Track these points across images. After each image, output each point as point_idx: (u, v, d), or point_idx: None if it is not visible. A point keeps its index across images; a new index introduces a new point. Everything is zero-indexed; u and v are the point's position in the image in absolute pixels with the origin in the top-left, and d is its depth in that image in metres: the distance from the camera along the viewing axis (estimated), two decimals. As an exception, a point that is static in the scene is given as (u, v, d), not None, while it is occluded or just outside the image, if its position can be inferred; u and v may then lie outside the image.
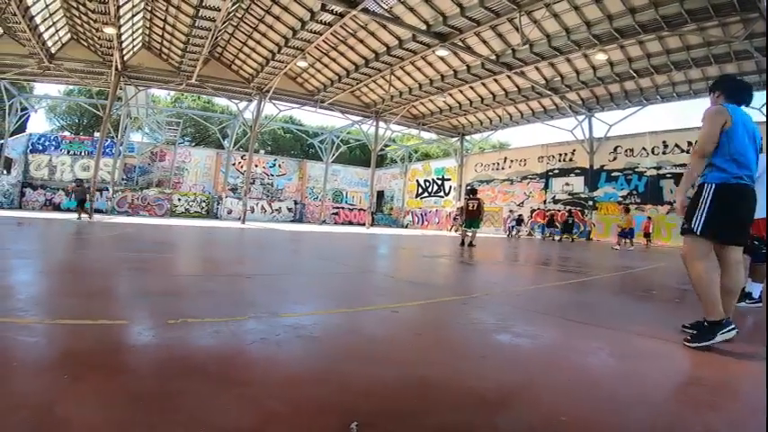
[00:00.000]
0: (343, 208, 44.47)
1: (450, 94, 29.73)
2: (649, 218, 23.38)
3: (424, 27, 21.03)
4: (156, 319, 3.43)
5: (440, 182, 39.84)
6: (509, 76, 24.80)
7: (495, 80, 26.29)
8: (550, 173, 30.25)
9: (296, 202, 42.96)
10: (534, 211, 30.91)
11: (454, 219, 32.01)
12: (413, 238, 21.33)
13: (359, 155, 55.49)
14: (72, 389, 2.01)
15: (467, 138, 38.09)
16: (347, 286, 5.91)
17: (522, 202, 31.76)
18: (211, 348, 2.79)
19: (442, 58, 24.92)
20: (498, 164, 34.25)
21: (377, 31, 23.83)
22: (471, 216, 15.05)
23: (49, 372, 2.26)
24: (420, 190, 42.00)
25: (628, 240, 20.01)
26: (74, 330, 2.96)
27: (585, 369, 2.68)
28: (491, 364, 2.62)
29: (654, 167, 24.65)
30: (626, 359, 2.94)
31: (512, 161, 33.19)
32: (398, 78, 29.09)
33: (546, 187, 30.41)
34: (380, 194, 45.73)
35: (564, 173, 29.47)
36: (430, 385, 2.23)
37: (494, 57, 22.77)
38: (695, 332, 3.30)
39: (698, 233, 3.30)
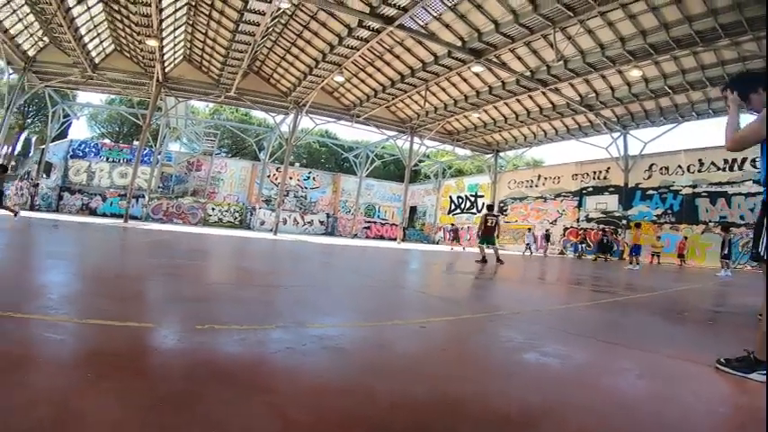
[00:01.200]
0: (375, 222, 44.93)
1: (485, 111, 30.11)
2: (685, 237, 23.27)
3: (459, 43, 21.51)
4: (184, 323, 3.56)
5: (473, 198, 39.85)
6: (544, 93, 24.99)
7: (530, 96, 26.50)
8: (584, 191, 30.06)
9: (328, 216, 43.64)
10: (567, 229, 30.75)
11: (453, 237, 31.72)
12: (443, 254, 21.20)
13: (393, 170, 55.98)
14: (94, 387, 2.10)
15: (501, 154, 38.12)
16: (376, 300, 5.88)
17: (555, 220, 31.59)
18: (237, 355, 2.86)
19: (477, 74, 25.27)
20: (532, 181, 34.19)
21: (413, 47, 24.45)
22: (488, 233, 15.11)
23: (73, 369, 2.37)
24: (453, 206, 42.01)
25: (634, 258, 19.46)
26: (101, 331, 3.07)
27: (615, 391, 2.65)
28: (518, 383, 2.60)
29: (689, 186, 24.37)
30: (657, 381, 2.85)
31: (545, 178, 33.12)
32: (434, 94, 29.51)
33: (579, 205, 30.22)
34: (413, 210, 46.04)
35: (598, 191, 29.26)
36: (456, 402, 2.23)
37: (528, 73, 23.10)
38: (736, 359, 3.03)
39: (765, 258, 2.92)
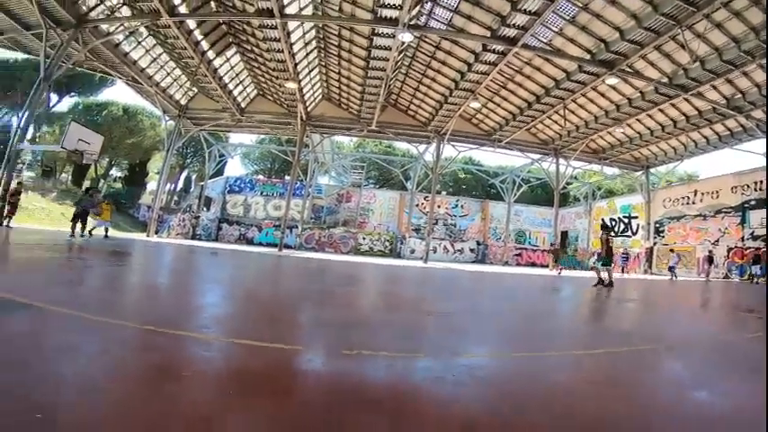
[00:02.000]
0: (525, 249, 44.01)
1: (629, 125, 28.80)
2: None
3: (587, 56, 21.16)
4: (332, 347, 3.64)
5: (626, 220, 37.73)
6: (686, 99, 23.53)
7: (673, 104, 25.01)
8: (746, 204, 26.90)
9: (478, 243, 43.48)
10: (731, 249, 27.41)
11: (554, 256, 29.45)
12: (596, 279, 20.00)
13: (540, 194, 55.01)
14: (235, 405, 2.17)
15: (652, 170, 35.89)
16: (528, 328, 5.73)
17: (718, 240, 28.45)
18: (383, 382, 2.86)
19: (612, 87, 24.54)
20: (688, 198, 31.40)
21: (542, 65, 24.34)
22: (610, 253, 14.36)
23: (217, 386, 2.50)
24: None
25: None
26: (249, 350, 3.22)
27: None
28: (685, 427, 2.38)
29: None
30: None
31: (702, 194, 30.20)
32: (572, 112, 28.92)
33: (743, 221, 27.06)
34: (564, 234, 44.39)
35: (762, 204, 25.51)
36: None
37: (666, 79, 21.94)
38: None
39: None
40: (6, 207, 20.08)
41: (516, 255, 43.65)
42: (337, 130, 35.78)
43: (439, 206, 41.88)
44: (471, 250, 43.31)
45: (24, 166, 45.26)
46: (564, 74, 24.25)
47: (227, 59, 29.29)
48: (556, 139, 33.52)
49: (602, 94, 26.27)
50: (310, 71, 29.86)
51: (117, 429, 1.79)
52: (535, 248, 44.24)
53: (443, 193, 49.35)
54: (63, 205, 37.86)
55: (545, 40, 21.16)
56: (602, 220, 35.23)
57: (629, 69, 21.53)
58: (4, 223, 19.89)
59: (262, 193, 42.95)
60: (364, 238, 41.55)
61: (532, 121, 30.59)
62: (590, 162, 37.01)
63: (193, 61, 26.76)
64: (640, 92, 24.62)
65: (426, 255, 31.46)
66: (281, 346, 3.41)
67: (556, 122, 31.10)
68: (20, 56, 35.09)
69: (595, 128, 29.94)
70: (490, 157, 68.72)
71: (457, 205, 44.79)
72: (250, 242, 40.23)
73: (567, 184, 40.85)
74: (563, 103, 26.99)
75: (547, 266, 32.31)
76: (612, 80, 22.66)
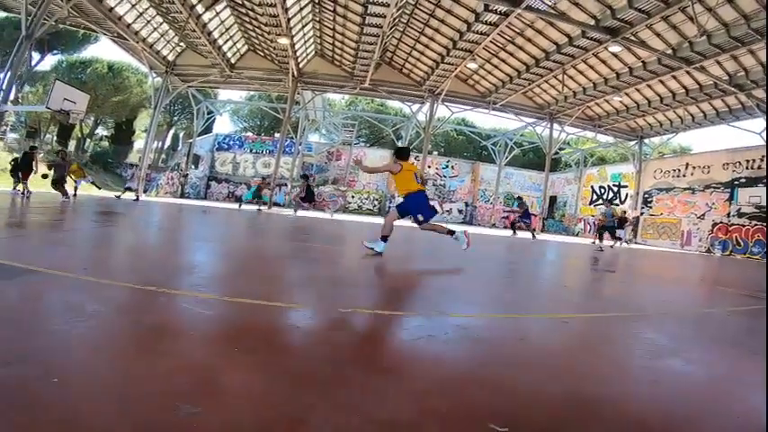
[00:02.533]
0: (514, 212, 43.17)
1: (627, 94, 28.46)
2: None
3: (592, 22, 20.69)
4: (328, 306, 3.74)
5: (615, 188, 37.57)
6: (688, 72, 23.04)
7: (674, 77, 24.63)
8: (736, 182, 26.80)
9: (467, 204, 43.61)
10: (716, 225, 27.49)
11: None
12: (584, 247, 20.23)
13: (532, 158, 55.00)
14: (239, 361, 2.26)
15: (646, 141, 35.68)
16: (518, 291, 5.94)
17: (704, 215, 28.56)
18: (379, 340, 2.98)
19: (615, 55, 24.12)
20: (679, 170, 31.25)
21: (544, 28, 23.84)
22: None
23: (221, 343, 2.55)
24: (594, 197, 39.84)
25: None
26: (250, 309, 3.28)
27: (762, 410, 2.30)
28: (660, 392, 2.43)
29: None
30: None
31: (693, 168, 30.00)
32: (571, 78, 28.54)
33: (731, 198, 27.01)
34: (553, 200, 44.41)
35: (752, 182, 25.89)
36: (592, 403, 2.20)
37: (670, 51, 21.52)
38: None
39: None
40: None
41: (504, 217, 43.20)
42: (329, 87, 35.32)
43: (429, 166, 41.67)
44: (459, 211, 43.47)
45: (8, 128, 44.34)
46: (566, 38, 23.85)
47: (217, 14, 28.25)
48: (552, 103, 33.28)
49: (604, 62, 25.83)
50: (303, 26, 29.09)
51: (129, 389, 1.83)
52: (523, 212, 43.93)
53: (435, 153, 49.10)
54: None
55: (549, 3, 20.57)
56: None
57: (633, 38, 21.10)
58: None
59: (251, 151, 42.58)
60: (353, 197, 41.72)
61: (529, 84, 30.31)
62: (584, 129, 36.80)
63: (181, 16, 25.91)
64: (642, 61, 24.25)
65: (416, 215, 31.29)
66: (279, 304, 3.56)
67: (553, 87, 30.77)
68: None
69: (593, 95, 29.67)
70: (484, 119, 68.65)
71: (447, 166, 44.64)
72: (239, 200, 39.74)
73: (560, 149, 41.25)
74: (562, 67, 26.63)
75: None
76: (615, 48, 22.35)
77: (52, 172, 18.66)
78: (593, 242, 21.85)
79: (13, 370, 1.87)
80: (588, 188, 40.98)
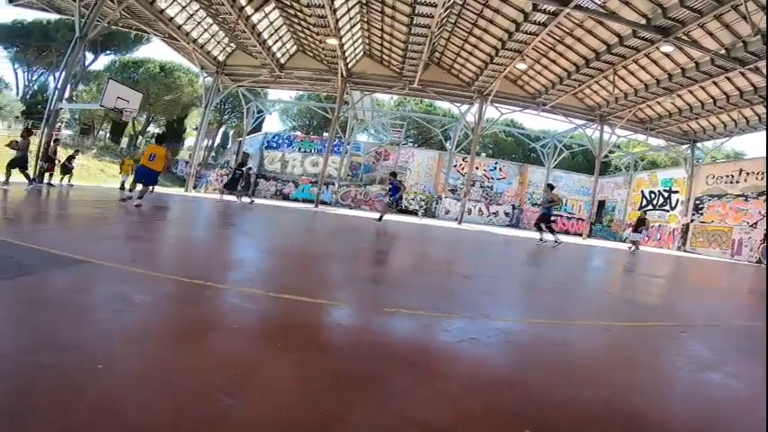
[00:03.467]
0: (561, 216, 43.09)
1: (679, 96, 27.81)
2: None
3: (643, 21, 20.47)
4: (372, 305, 3.84)
5: (666, 194, 36.39)
6: (742, 73, 22.44)
7: (728, 78, 23.96)
8: None
9: (514, 207, 43.32)
10: None
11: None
12: (631, 253, 19.41)
13: (581, 161, 54.39)
14: (280, 357, 2.36)
15: (698, 145, 34.43)
16: (560, 296, 5.93)
17: (756, 223, 27.17)
18: (420, 341, 3.03)
19: (667, 55, 23.69)
20: (732, 176, 29.96)
21: (594, 28, 23.67)
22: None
23: (264, 339, 2.65)
24: (644, 202, 38.73)
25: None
26: (294, 305, 3.42)
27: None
28: (694, 406, 2.43)
29: None
30: None
31: (747, 174, 28.78)
32: (622, 78, 28.16)
33: None
34: (601, 204, 43.78)
35: None
36: (627, 413, 2.21)
37: (723, 51, 21.07)
38: None
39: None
40: (44, 165, 20.56)
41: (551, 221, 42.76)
42: (378, 87, 35.71)
43: (477, 168, 41.70)
44: (506, 214, 43.22)
45: (63, 124, 46.22)
46: (616, 38, 23.60)
47: (266, 15, 29.17)
48: (602, 105, 32.79)
49: (655, 62, 25.35)
50: (352, 27, 29.65)
51: (170, 378, 1.95)
52: (570, 216, 43.64)
53: (483, 154, 49.16)
54: (102, 162, 38.91)
55: (599, 2, 20.52)
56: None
57: (685, 38, 20.81)
58: (47, 181, 20.52)
59: (299, 150, 43.60)
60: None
61: (580, 85, 29.98)
62: (635, 132, 36.08)
63: (231, 17, 26.89)
64: (695, 62, 23.78)
65: (461, 216, 31.85)
66: (323, 301, 3.68)
67: (604, 88, 30.38)
68: (53, 16, 35.51)
69: (644, 96, 29.18)
70: (533, 121, 68.49)
71: (495, 168, 44.41)
72: (286, 197, 41.11)
73: (610, 152, 40.32)
74: (613, 68, 26.27)
75: (580, 235, 31.27)
76: (667, 48, 21.97)
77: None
78: (630, 248, 21.29)
79: (60, 356, 2.02)
80: (638, 193, 39.99)
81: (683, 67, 24.78)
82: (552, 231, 17.41)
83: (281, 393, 1.94)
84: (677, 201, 34.93)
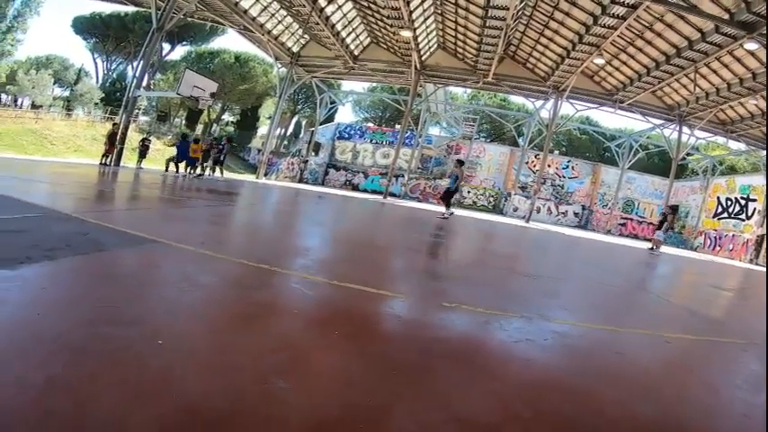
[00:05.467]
0: (631, 219, 42.64)
1: (763, 96, 26.33)
2: None
3: (726, 16, 20.03)
4: (432, 299, 3.89)
5: (743, 202, 33.70)
6: None
7: None
8: None
9: (584, 208, 42.91)
10: None
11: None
12: (701, 263, 19.20)
13: (657, 162, 53.20)
14: (336, 344, 2.42)
15: None
16: (622, 302, 5.83)
17: None
18: (476, 338, 3.06)
19: (751, 53, 22.92)
20: None
21: (675, 22, 23.24)
22: None
23: (322, 325, 2.72)
24: (719, 209, 36.17)
25: None
26: (356, 294, 3.49)
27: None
28: (748, 428, 2.33)
29: None
30: None
31: None
32: (703, 77, 27.40)
33: None
34: (674, 209, 39.95)
35: None
36: (678, 428, 2.18)
37: None
38: None
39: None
40: (115, 148, 21.96)
41: (621, 224, 42.32)
42: (452, 80, 36.17)
43: (549, 166, 41.53)
44: (575, 214, 42.86)
45: (140, 111, 48.72)
46: (698, 34, 23.07)
47: (339, 7, 30.37)
48: (682, 104, 32.04)
49: (738, 60, 24.58)
50: (425, 19, 30.21)
51: (226, 358, 2.05)
52: (641, 220, 42.53)
53: (556, 152, 48.69)
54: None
55: (680, -6, 20.20)
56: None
57: (771, 34, 20.30)
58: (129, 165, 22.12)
59: (371, 141, 44.66)
60: (469, 192, 42.48)
61: (659, 83, 29.50)
62: (715, 134, 35.02)
63: (305, 9, 28.09)
64: (782, 60, 23.14)
65: (530, 214, 31.90)
66: (385, 292, 3.74)
67: (684, 86, 29.66)
68: (130, 9, 37.37)
69: (726, 96, 28.23)
70: (608, 119, 67.29)
71: (568, 166, 44.05)
72: (355, 188, 42.29)
73: (687, 155, 39.16)
74: (694, 65, 25.65)
75: (650, 241, 30.31)
76: (751, 45, 21.34)
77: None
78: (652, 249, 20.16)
79: (124, 329, 2.14)
80: (714, 199, 37.62)
81: (768, 66, 24.04)
82: (448, 205, 17.26)
83: (332, 380, 2.04)
84: (754, 210, 32.62)
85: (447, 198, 16.90)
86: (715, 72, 26.88)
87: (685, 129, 33.54)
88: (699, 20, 21.72)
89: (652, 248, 20.06)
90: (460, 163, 18.94)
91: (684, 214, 41.62)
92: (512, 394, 2.18)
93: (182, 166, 21.37)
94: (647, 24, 24.50)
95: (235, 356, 2.06)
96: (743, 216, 33.82)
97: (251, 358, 2.06)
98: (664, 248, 21.87)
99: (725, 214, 35.65)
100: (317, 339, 2.49)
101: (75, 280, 2.90)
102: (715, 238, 35.02)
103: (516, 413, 1.97)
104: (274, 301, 3.09)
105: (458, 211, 27.79)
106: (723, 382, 3.11)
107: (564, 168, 43.89)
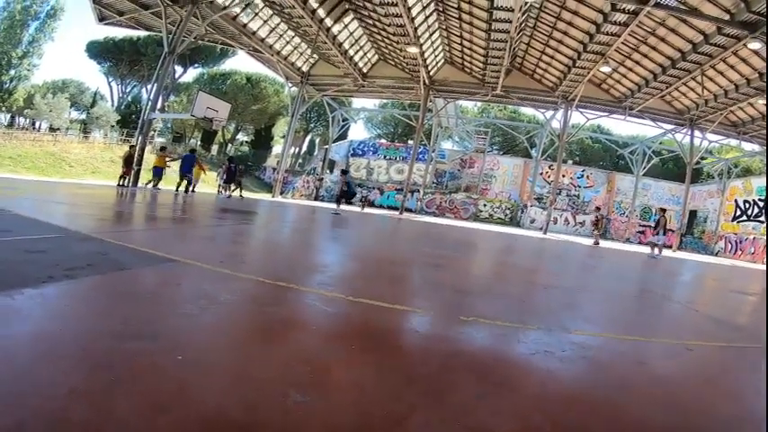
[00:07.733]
0: (649, 226, 40.56)
1: None
2: None
3: (727, 17, 20.14)
4: (449, 312, 3.90)
5: (761, 203, 33.30)
6: None
7: None
8: None
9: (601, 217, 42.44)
10: None
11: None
12: (722, 268, 19.09)
13: (671, 168, 53.17)
14: (354, 358, 2.45)
15: None
16: (643, 311, 5.72)
17: None
18: (494, 351, 3.06)
19: (755, 52, 22.86)
20: None
21: (677, 26, 23.37)
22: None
23: (340, 340, 2.75)
24: (738, 212, 35.56)
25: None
26: (372, 310, 3.51)
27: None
28: None
29: None
30: None
31: None
32: (710, 79, 27.37)
33: None
34: (692, 214, 41.09)
35: None
36: None
37: None
38: None
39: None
40: (132, 169, 22.52)
41: (639, 232, 41.93)
42: (461, 94, 36.48)
43: (564, 176, 41.83)
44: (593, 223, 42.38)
45: (156, 132, 49.68)
46: (701, 36, 23.22)
47: (346, 26, 31.06)
48: (692, 108, 31.91)
49: (744, 60, 24.58)
50: (431, 35, 30.69)
51: (245, 372, 2.10)
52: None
53: (569, 162, 48.68)
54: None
55: (679, -1, 20.40)
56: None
57: (772, 33, 20.40)
58: (147, 186, 22.27)
59: (384, 157, 45.50)
60: (485, 205, 42.77)
61: (667, 87, 29.50)
62: (727, 136, 34.79)
63: (312, 29, 28.78)
64: (786, 59, 23.19)
65: (546, 225, 31.90)
66: (401, 307, 3.80)
67: (692, 90, 29.67)
68: (142, 33, 38.44)
69: (735, 98, 28.21)
70: (620, 126, 67.20)
71: (582, 175, 44.24)
72: (371, 204, 42.54)
73: (701, 158, 38.92)
74: (700, 68, 25.70)
75: (669, 247, 30.12)
76: (755, 44, 21.31)
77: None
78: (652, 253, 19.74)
79: (144, 344, 2.21)
80: (732, 202, 36.96)
81: (773, 65, 24.13)
82: (339, 203, 22.40)
83: (351, 393, 2.05)
84: (772, 211, 31.92)
85: (338, 200, 21.80)
86: (722, 74, 26.91)
87: (697, 132, 33.42)
88: (701, 22, 21.88)
89: (653, 255, 19.44)
90: (344, 172, 22.49)
91: (703, 219, 41.10)
92: (530, 406, 2.18)
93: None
94: (649, 30, 24.70)
95: (253, 371, 2.12)
96: (762, 218, 33.42)
97: (269, 372, 2.13)
98: (680, 254, 21.59)
99: (743, 217, 35.21)
100: (335, 353, 2.53)
101: (95, 298, 3.02)
102: (735, 242, 34.51)
103: (534, 426, 1.98)
104: (292, 317, 3.18)
105: (474, 225, 27.80)
106: (745, 390, 3.10)
107: (578, 178, 44.10)
